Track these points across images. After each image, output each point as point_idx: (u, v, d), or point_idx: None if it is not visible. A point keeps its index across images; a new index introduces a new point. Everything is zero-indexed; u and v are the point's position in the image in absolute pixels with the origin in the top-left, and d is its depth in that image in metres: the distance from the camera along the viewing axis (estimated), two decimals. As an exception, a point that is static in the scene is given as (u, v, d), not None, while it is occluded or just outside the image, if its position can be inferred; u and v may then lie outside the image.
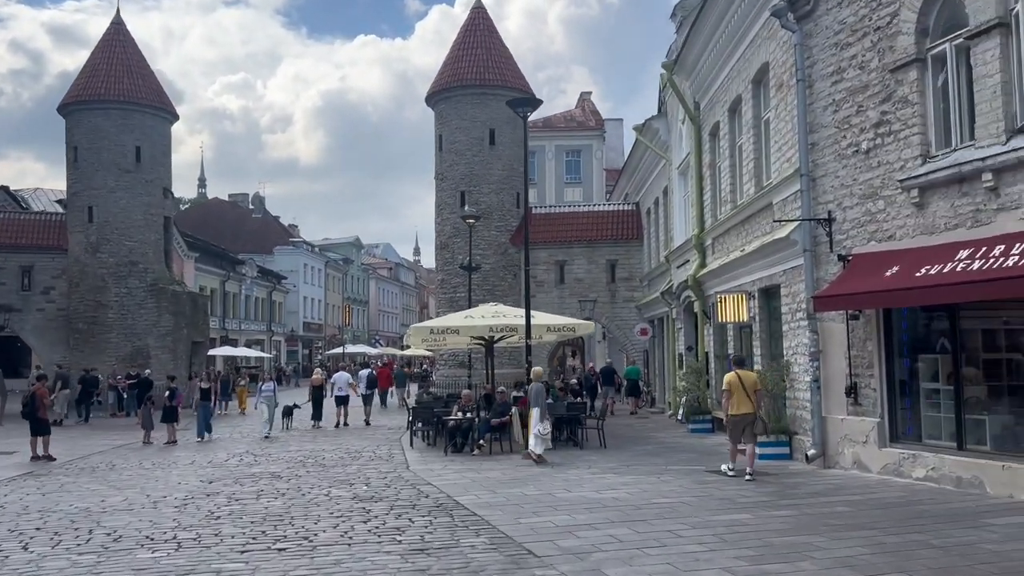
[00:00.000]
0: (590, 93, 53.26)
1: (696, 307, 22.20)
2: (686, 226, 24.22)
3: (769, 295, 16.80)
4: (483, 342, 20.68)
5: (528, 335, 16.22)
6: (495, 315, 18.69)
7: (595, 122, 49.36)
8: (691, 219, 23.04)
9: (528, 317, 16.38)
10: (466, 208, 27.22)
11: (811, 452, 13.46)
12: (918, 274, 10.89)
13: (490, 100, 32.18)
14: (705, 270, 20.86)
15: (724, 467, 13.02)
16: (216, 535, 9.12)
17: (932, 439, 11.77)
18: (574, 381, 23.74)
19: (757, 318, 16.94)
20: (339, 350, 68.48)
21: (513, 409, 17.27)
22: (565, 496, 11.07)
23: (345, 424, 24.40)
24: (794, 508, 9.80)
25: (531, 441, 15.60)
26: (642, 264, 32.09)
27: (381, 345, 77.94)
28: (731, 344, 19.25)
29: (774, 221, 14.77)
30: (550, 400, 19.93)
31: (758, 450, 14.64)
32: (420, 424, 19.06)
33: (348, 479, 13.27)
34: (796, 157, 14.34)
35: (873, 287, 11.55)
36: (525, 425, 16.58)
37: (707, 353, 21.44)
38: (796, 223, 14.00)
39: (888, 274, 11.53)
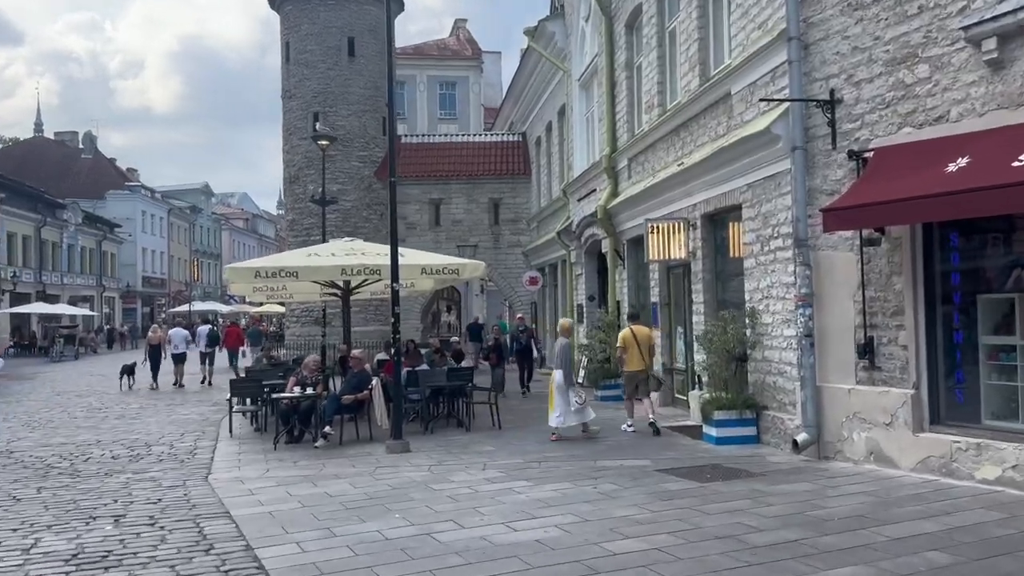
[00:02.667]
0: (465, 21, 48.01)
1: (605, 246, 17.95)
2: (591, 149, 19.86)
3: (716, 223, 12.66)
4: (337, 290, 15.70)
5: (395, 277, 11.41)
6: (350, 252, 13.72)
7: (472, 51, 44.27)
8: (599, 139, 18.69)
9: (395, 250, 11.53)
10: (318, 127, 21.85)
11: (801, 437, 9.39)
12: (1016, 164, 6.82)
13: (349, 2, 26.62)
14: (619, 199, 16.59)
15: (624, 426, 12.35)
16: None
17: (1003, 420, 7.88)
18: (455, 340, 19.10)
19: (699, 254, 12.78)
20: (185, 307, 61.14)
21: (375, 380, 12.47)
22: (455, 539, 6.45)
23: (181, 385, 22.09)
24: (859, 559, 5.57)
25: (553, 417, 11.84)
26: (530, 204, 27.68)
27: (236, 302, 70.64)
28: (654, 290, 15.10)
29: (760, 100, 10.39)
30: (424, 366, 15.30)
31: (715, 431, 10.66)
32: (247, 402, 13.96)
33: (95, 505, 8.15)
34: (775, 19, 10.07)
35: (930, 189, 7.42)
36: (390, 400, 11.92)
37: (619, 303, 17.28)
38: (782, 107, 9.76)
39: (951, 170, 7.43)
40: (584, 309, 20.32)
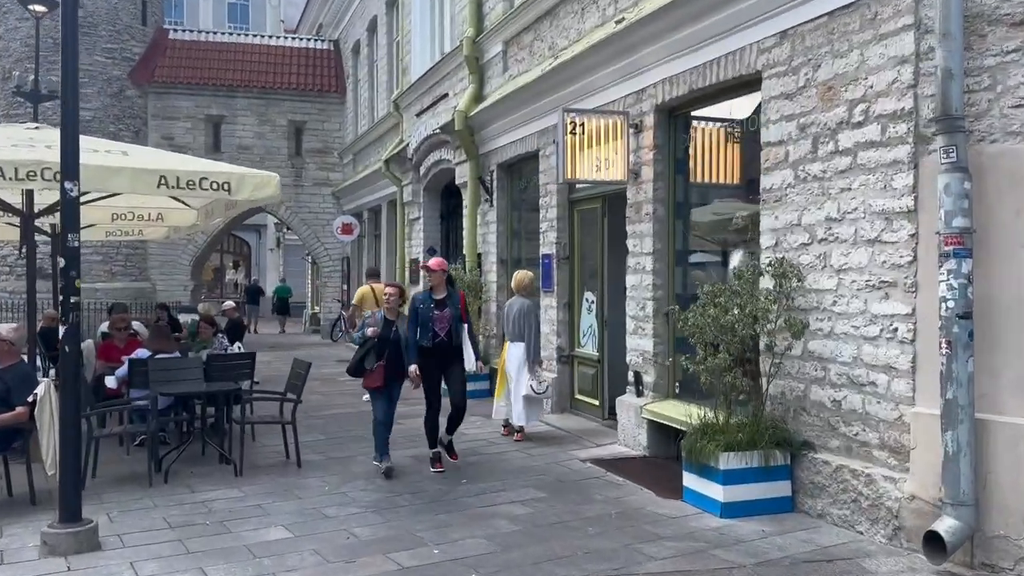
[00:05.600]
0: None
1: (460, 176, 12.47)
2: (439, 40, 14.23)
3: (680, 120, 7.58)
4: (12, 213, 9.17)
5: (69, 170, 5.29)
6: (23, 143, 7.33)
7: (272, -44, 36.80)
8: (454, 21, 13.12)
9: (70, 105, 5.33)
10: (29, -17, 14.58)
11: (948, 526, 4.49)
12: None
13: None
14: (488, 102, 11.18)
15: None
16: None
17: None
18: (230, 305, 12.81)
19: (648, 172, 7.66)
20: None
21: (41, 387, 6.23)
22: None
23: None
24: None
25: (513, 410, 8.24)
26: (344, 130, 21.57)
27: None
28: (548, 236, 9.88)
29: None
30: (176, 353, 9.22)
31: (721, 491, 5.65)
32: None
33: None
34: None
35: None
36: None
37: (480, 256, 11.95)
38: None
39: None
40: (421, 265, 14.78)
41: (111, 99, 19.76)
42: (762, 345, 5.88)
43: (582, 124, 7.79)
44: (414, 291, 15.16)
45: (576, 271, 9.54)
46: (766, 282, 5.91)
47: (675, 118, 7.57)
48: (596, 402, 9.07)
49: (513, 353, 8.28)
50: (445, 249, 14.84)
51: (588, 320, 9.30)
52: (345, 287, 21.14)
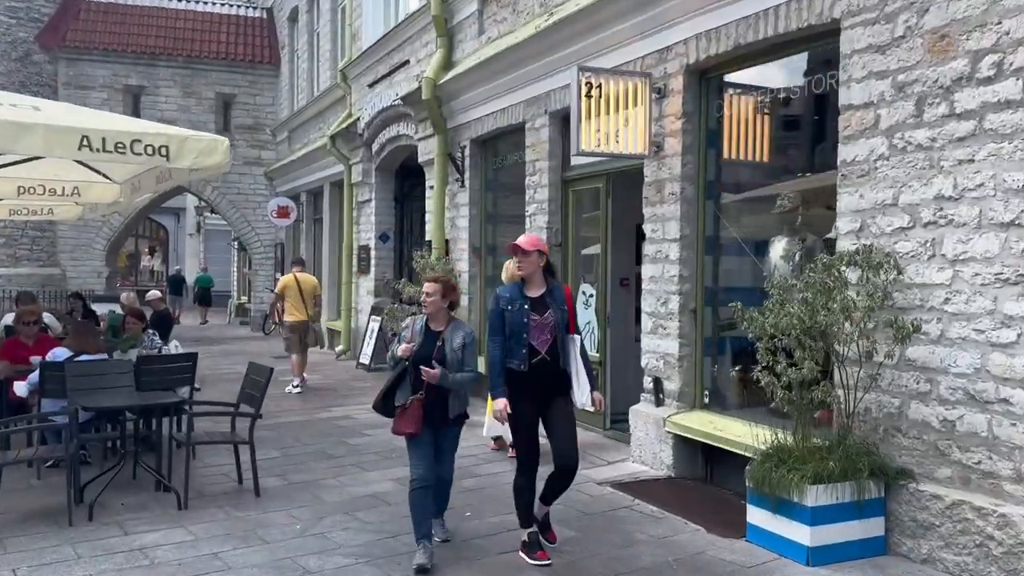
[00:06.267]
0: None
1: (424, 153, 11.12)
2: (394, 3, 12.85)
3: (713, 84, 6.49)
4: None
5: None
6: None
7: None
8: (415, -20, 11.77)
9: None
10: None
11: None
12: None
13: None
14: (459, 69, 9.87)
15: (289, 388, 10.74)
16: None
17: None
18: (155, 295, 11.14)
19: (674, 145, 6.54)
20: None
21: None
22: None
23: None
24: None
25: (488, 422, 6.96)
26: (279, 105, 19.84)
27: None
28: (535, 219, 8.68)
29: None
30: (116, 354, 7.70)
31: (808, 533, 4.51)
32: None
33: None
34: None
35: None
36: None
37: (448, 243, 10.64)
38: None
39: None
40: (372, 253, 13.42)
41: (16, 64, 17.66)
42: (852, 352, 4.83)
43: (598, 86, 6.61)
44: (363, 282, 13.82)
45: (570, 260, 8.39)
46: (850, 275, 4.87)
47: (708, 80, 6.48)
48: (590, 410, 7.94)
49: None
50: (399, 235, 13.53)
51: (586, 316, 8.15)
52: (278, 275, 19.47)
